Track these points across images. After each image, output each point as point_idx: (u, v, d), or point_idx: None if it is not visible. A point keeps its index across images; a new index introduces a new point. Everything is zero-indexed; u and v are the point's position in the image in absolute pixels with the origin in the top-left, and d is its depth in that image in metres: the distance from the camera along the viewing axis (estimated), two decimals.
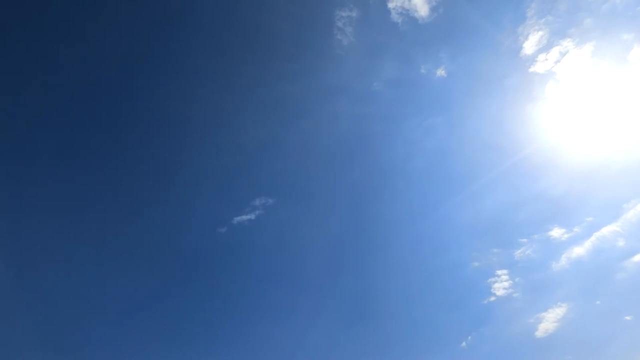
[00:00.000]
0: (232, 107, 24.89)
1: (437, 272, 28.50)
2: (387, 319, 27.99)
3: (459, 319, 27.81)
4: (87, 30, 21.83)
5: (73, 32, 21.65)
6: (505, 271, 27.09)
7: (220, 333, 26.12)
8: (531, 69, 25.06)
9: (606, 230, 26.59)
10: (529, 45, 24.54)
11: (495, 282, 26.95)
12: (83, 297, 23.77)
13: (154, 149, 24.49)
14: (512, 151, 26.45)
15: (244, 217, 25.67)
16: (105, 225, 24.45)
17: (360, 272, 28.39)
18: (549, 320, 26.27)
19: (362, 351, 26.82)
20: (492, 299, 26.85)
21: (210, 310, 26.26)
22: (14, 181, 22.24)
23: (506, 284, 26.79)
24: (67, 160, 23.37)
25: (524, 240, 27.45)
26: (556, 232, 27.10)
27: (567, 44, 24.31)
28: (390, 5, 24.07)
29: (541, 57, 24.64)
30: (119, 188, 24.47)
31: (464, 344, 26.66)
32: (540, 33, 24.37)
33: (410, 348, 27.16)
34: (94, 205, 24.15)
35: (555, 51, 24.48)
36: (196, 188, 25.80)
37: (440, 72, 25.80)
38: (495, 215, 28.20)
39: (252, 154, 26.27)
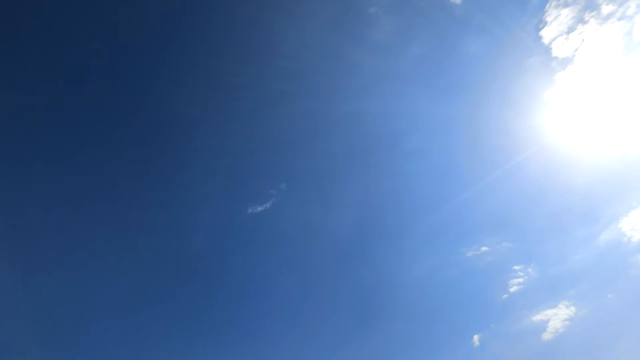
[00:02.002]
0: (242, 103, 24.55)
1: (451, 266, 28.45)
2: (399, 313, 28.14)
3: (472, 314, 27.88)
4: (90, 31, 21.29)
5: (75, 32, 21.10)
6: (520, 266, 26.98)
7: (233, 326, 26.37)
8: (552, 55, 24.68)
9: (623, 223, 26.48)
10: (550, 30, 24.19)
11: (510, 277, 26.88)
12: (91, 295, 23.69)
13: (162, 146, 24.53)
14: (528, 143, 26.11)
15: (258, 208, 25.67)
16: (117, 222, 24.48)
17: (372, 265, 28.40)
18: (560, 318, 26.29)
19: (372, 344, 27.02)
20: (505, 296, 26.84)
21: (221, 305, 26.37)
22: (20, 181, 21.87)
23: (521, 280, 26.70)
24: (76, 160, 23.41)
25: (541, 235, 27.31)
26: (573, 226, 27.09)
27: (588, 29, 23.86)
28: None
29: (561, 41, 24.26)
30: (132, 184, 24.53)
31: (475, 339, 26.66)
32: (561, 18, 23.98)
33: (421, 344, 27.39)
34: (108, 201, 24.31)
35: (575, 36, 24.12)
36: (207, 182, 25.69)
37: (459, 58, 25.53)
38: (510, 209, 28.04)
39: (266, 147, 26.14)
